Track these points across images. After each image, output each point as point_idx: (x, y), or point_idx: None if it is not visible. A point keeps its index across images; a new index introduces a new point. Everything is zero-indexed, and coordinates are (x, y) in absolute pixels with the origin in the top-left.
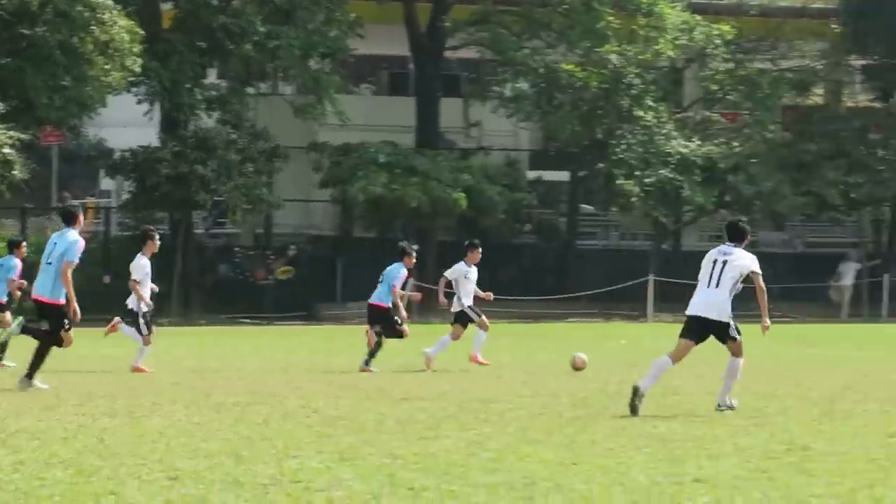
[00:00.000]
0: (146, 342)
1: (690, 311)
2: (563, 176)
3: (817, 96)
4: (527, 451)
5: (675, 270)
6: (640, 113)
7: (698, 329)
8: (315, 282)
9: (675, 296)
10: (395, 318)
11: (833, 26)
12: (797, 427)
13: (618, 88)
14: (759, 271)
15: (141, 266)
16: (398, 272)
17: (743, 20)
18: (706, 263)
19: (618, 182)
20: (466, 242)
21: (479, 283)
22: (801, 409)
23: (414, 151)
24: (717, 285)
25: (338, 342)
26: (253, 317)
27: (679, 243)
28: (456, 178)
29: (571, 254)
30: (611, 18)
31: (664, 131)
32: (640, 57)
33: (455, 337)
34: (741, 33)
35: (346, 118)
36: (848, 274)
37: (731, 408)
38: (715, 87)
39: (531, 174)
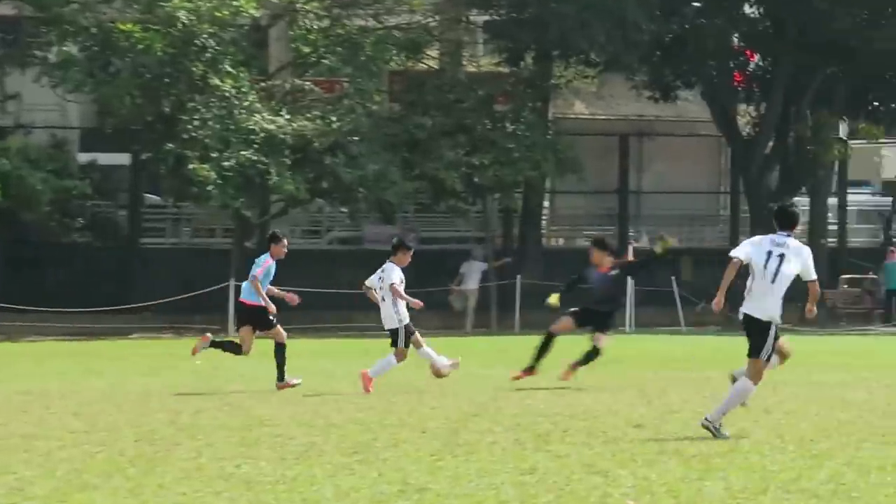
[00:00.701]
0: None
1: (745, 308)
2: (122, 159)
3: (431, 59)
4: (79, 498)
5: None
6: (217, 81)
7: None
8: None
9: None
10: (270, 316)
11: None
12: (412, 464)
13: (188, 52)
14: (816, 277)
15: None
16: (261, 261)
17: None
18: (758, 256)
19: (190, 166)
20: (396, 240)
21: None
22: (417, 442)
23: None
24: (773, 281)
25: None
26: None
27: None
28: None
29: (134, 255)
30: None
31: (246, 103)
32: (215, 14)
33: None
34: None
35: None
36: (473, 276)
37: (717, 433)
38: (307, 50)
39: (83, 157)
